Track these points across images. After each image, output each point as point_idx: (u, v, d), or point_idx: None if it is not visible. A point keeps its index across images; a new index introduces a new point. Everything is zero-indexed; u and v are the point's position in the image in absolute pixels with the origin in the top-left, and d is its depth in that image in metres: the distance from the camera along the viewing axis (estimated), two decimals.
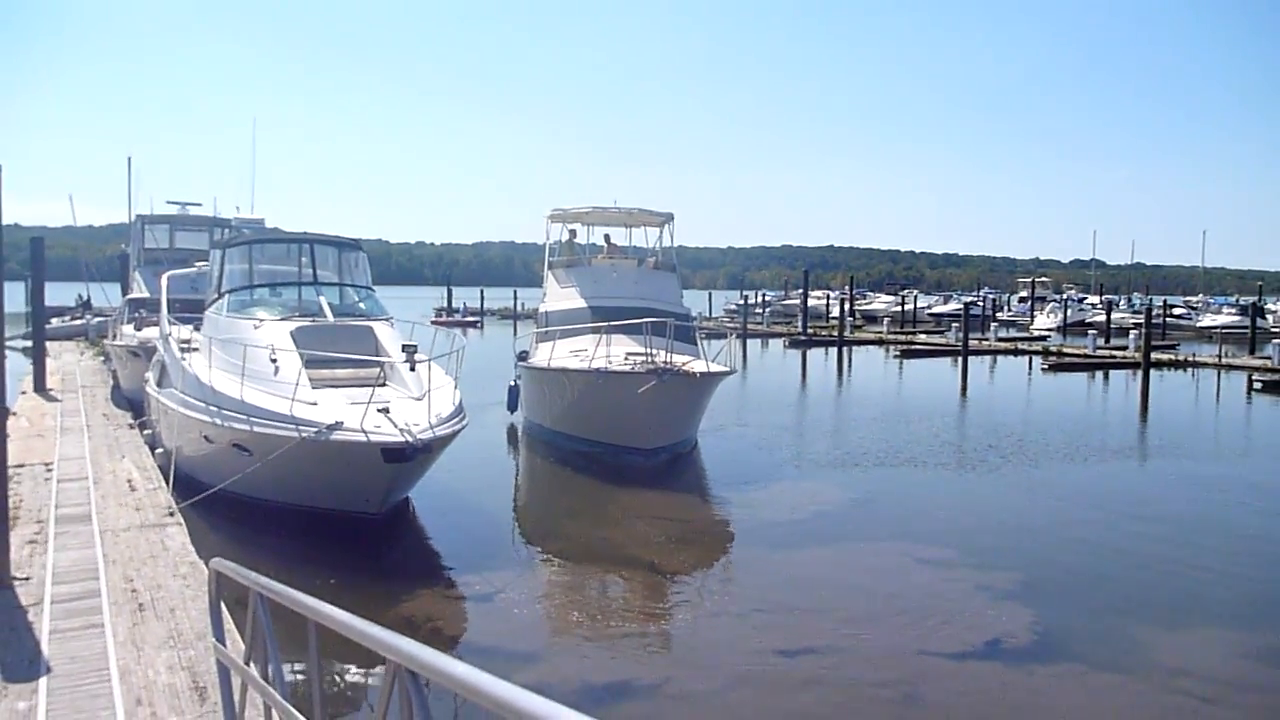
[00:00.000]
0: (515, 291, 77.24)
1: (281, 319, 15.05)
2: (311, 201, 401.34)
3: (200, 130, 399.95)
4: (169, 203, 29.88)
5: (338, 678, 8.30)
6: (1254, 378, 35.37)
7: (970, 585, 11.78)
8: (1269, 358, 38.44)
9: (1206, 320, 67.89)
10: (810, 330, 59.15)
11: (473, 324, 72.99)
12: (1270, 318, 66.19)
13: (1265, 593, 12.07)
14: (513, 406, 22.73)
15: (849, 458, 20.51)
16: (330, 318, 15.32)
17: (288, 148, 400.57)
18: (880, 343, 57.00)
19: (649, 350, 18.42)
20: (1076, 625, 10.56)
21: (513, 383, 22.99)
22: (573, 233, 26.50)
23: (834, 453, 21.18)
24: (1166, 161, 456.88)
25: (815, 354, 50.33)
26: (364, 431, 11.73)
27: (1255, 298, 71.04)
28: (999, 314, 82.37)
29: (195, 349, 15.59)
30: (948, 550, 13.34)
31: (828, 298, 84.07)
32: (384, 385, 13.50)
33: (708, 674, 9.08)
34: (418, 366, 13.62)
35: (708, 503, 16.96)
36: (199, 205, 30.00)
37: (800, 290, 67.11)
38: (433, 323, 55.59)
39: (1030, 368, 43.36)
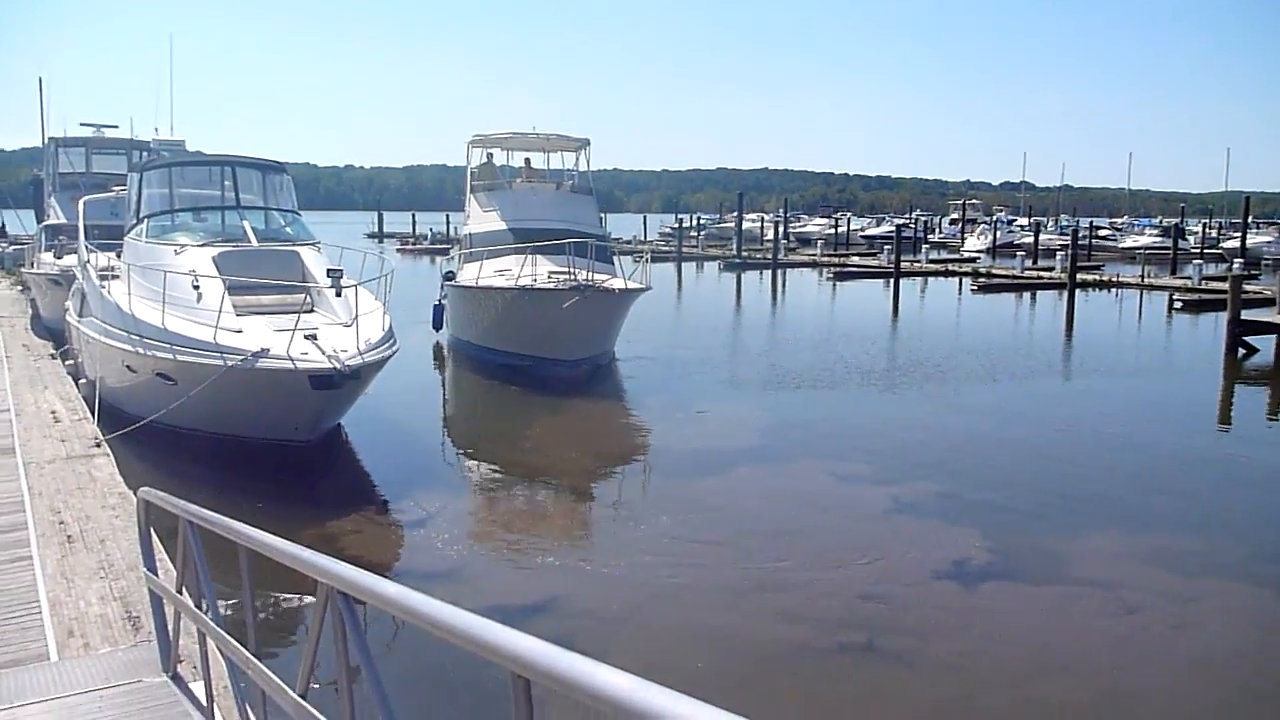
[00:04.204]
0: (448, 216, 75.70)
1: (203, 244, 14.64)
2: (235, 123, 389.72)
3: (115, 47, 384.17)
4: (83, 125, 28.60)
5: (271, 603, 8.30)
6: (1174, 297, 36.42)
7: (890, 502, 12.09)
8: (1189, 278, 39.59)
9: (1130, 241, 69.31)
10: (745, 253, 59.25)
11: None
12: (1191, 239, 67.59)
13: (1171, 501, 12.54)
14: (438, 324, 23.96)
15: (778, 380, 20.79)
16: (254, 242, 14.94)
17: (209, 67, 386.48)
18: (814, 265, 57.38)
19: (571, 268, 19.27)
20: (1002, 539, 10.88)
21: (438, 301, 23.99)
22: (489, 156, 27.06)
23: (764, 375, 21.43)
24: (1095, 85, 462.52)
25: (750, 277, 50.58)
26: (291, 359, 11.54)
27: (1177, 220, 72.45)
28: (930, 236, 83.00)
29: (115, 276, 15.13)
30: (871, 469, 13.68)
31: (762, 221, 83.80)
32: (311, 311, 13.19)
33: (628, 593, 9.27)
34: (345, 291, 13.40)
35: (634, 425, 17.18)
36: (115, 127, 28.78)
37: (735, 213, 67.05)
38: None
39: (960, 289, 44.14)
